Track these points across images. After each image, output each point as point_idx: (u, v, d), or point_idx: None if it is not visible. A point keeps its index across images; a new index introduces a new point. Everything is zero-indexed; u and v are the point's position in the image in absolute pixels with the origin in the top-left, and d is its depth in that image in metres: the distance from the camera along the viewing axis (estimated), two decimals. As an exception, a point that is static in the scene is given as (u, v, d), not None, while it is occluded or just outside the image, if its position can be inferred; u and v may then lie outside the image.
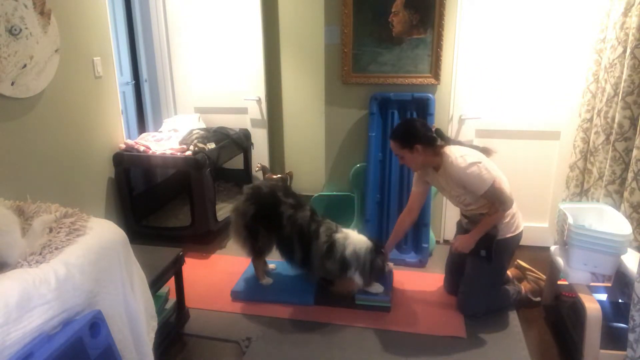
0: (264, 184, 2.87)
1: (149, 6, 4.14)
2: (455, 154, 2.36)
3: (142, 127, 4.62)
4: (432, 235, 3.24)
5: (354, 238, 2.60)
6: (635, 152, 2.27)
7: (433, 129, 2.48)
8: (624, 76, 2.40)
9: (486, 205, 2.41)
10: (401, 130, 2.47)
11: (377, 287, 2.68)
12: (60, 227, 1.67)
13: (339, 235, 2.59)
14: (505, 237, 2.46)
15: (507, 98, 3.11)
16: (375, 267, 2.56)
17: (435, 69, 3.06)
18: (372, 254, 2.56)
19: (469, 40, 3.03)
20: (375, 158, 3.17)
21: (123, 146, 3.41)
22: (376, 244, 2.61)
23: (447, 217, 3.40)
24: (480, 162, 2.31)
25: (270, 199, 2.67)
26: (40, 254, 1.52)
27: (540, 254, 3.18)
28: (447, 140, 2.50)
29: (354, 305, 2.65)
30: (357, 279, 2.57)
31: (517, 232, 2.49)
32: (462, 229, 2.62)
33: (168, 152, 3.37)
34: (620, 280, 2.38)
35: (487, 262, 2.46)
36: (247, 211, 2.68)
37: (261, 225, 2.69)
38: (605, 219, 2.38)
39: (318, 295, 2.72)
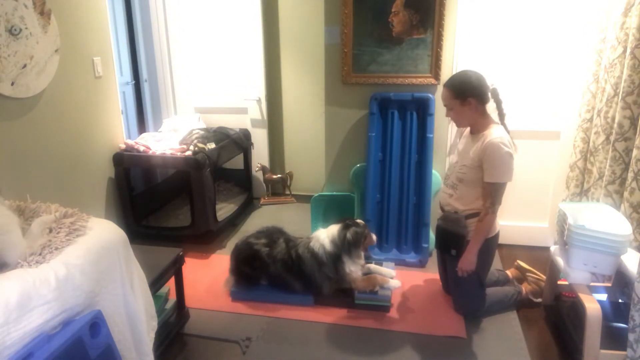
0: (241, 239, 2.93)
1: (149, 6, 4.14)
2: (502, 137, 2.27)
3: (142, 127, 4.62)
4: (432, 235, 3.24)
5: (319, 233, 2.72)
6: (635, 152, 2.27)
7: (490, 87, 2.36)
8: (624, 76, 2.40)
9: (464, 198, 2.38)
10: (457, 79, 2.35)
11: (394, 283, 2.69)
12: (60, 227, 1.67)
13: (312, 243, 2.68)
14: None
15: (507, 98, 3.09)
16: (353, 238, 2.61)
17: (435, 69, 3.06)
18: (343, 230, 2.63)
19: (469, 40, 3.03)
20: (375, 158, 3.16)
21: (123, 146, 3.41)
22: (345, 220, 2.70)
23: (447, 217, 3.39)
24: (513, 160, 2.27)
25: (245, 248, 2.79)
26: (40, 254, 1.52)
27: (540, 254, 3.18)
28: (500, 104, 2.39)
29: (354, 305, 2.65)
30: (350, 263, 2.61)
31: (491, 234, 2.43)
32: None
33: (168, 152, 3.37)
34: (620, 280, 2.38)
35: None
36: (233, 267, 2.84)
37: (251, 269, 2.77)
38: (605, 219, 2.38)
39: (318, 295, 2.72)
